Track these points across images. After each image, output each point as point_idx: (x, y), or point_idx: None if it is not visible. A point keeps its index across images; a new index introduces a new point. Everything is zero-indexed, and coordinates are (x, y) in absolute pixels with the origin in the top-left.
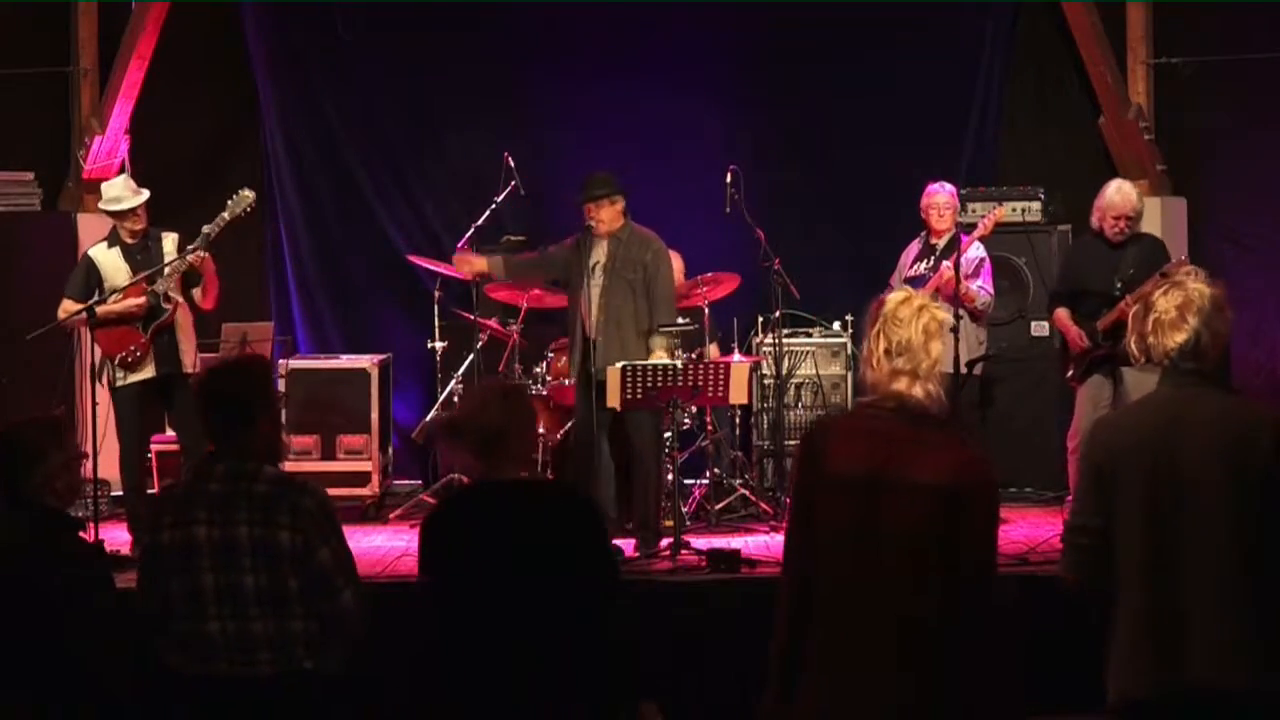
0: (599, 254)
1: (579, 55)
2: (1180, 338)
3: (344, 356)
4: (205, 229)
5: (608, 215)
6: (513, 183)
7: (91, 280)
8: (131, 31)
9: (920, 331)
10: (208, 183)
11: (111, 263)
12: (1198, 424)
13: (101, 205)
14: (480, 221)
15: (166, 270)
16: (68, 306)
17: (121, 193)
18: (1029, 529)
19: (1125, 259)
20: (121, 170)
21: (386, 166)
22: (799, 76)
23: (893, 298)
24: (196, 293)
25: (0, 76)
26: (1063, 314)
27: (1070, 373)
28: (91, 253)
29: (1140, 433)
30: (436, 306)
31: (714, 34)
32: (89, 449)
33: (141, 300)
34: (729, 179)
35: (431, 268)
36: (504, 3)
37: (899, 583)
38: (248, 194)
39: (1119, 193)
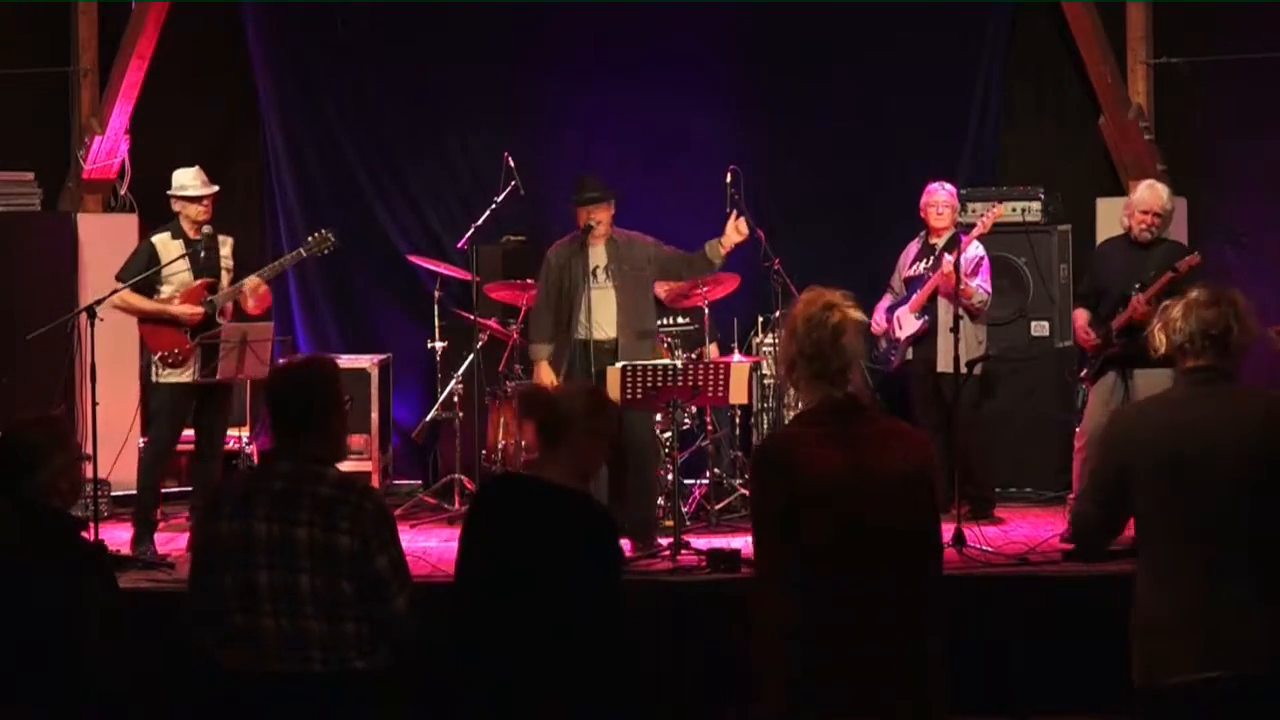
0: (597, 257)
1: (579, 55)
2: (1205, 339)
3: (344, 356)
4: (276, 264)
5: (605, 217)
6: (513, 183)
7: (153, 269)
8: (131, 31)
9: (830, 331)
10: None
11: (175, 255)
12: (1220, 420)
13: (171, 192)
14: (480, 221)
15: (225, 291)
16: (126, 297)
17: (190, 181)
18: (1029, 529)
19: (1149, 261)
20: (122, 171)
21: (386, 166)
22: (799, 76)
23: (803, 299)
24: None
25: (0, 76)
26: (1078, 315)
27: (1084, 372)
28: (156, 240)
29: (1161, 427)
30: (436, 306)
31: (714, 34)
32: (89, 449)
33: (200, 311)
34: (729, 179)
35: (431, 268)
36: (504, 3)
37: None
38: (330, 237)
39: (1149, 189)
